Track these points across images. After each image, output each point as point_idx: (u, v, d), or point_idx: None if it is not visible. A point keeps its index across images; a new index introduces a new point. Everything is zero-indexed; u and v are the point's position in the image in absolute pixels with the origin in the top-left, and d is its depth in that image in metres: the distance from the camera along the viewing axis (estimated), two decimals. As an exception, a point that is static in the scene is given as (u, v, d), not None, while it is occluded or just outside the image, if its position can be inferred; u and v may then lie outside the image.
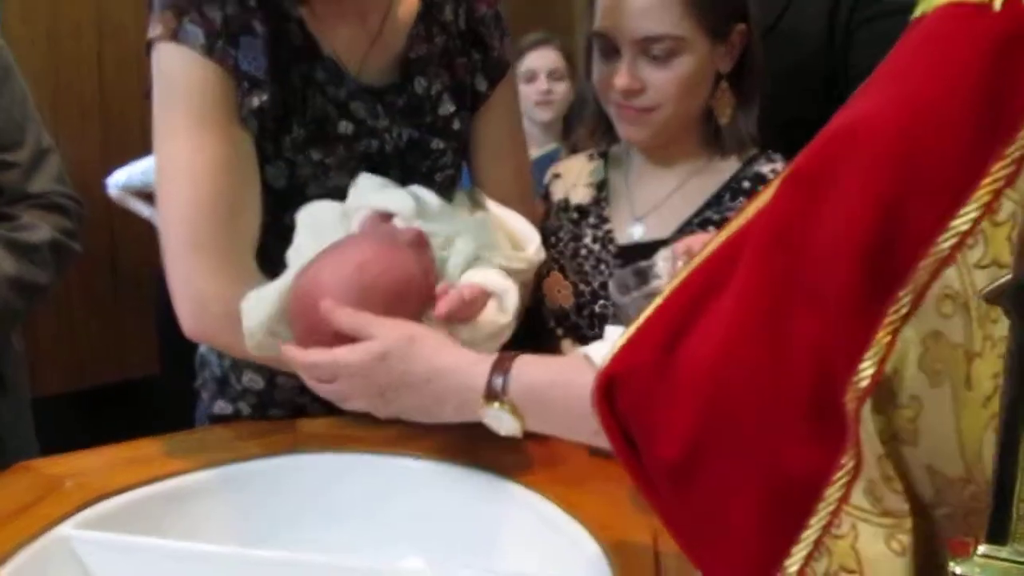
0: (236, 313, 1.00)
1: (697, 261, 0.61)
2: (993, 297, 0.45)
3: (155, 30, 1.08)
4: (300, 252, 1.04)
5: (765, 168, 1.24)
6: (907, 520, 0.51)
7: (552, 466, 1.02)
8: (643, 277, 0.99)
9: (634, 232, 1.26)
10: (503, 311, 1.01)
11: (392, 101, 1.17)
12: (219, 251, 1.06)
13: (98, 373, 2.84)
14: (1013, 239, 0.47)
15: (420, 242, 0.99)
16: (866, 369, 0.50)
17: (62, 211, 1.48)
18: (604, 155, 1.35)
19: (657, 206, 1.26)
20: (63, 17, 2.83)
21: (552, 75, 2.68)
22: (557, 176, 1.37)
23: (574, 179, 1.34)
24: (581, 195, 1.32)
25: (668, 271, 0.98)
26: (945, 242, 0.48)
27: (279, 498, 1.04)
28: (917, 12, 0.54)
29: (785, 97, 1.26)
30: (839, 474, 0.52)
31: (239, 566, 0.91)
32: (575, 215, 1.31)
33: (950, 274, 0.48)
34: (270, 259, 1.08)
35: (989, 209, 0.47)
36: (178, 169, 1.07)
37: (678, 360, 0.58)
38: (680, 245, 0.98)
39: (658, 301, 0.62)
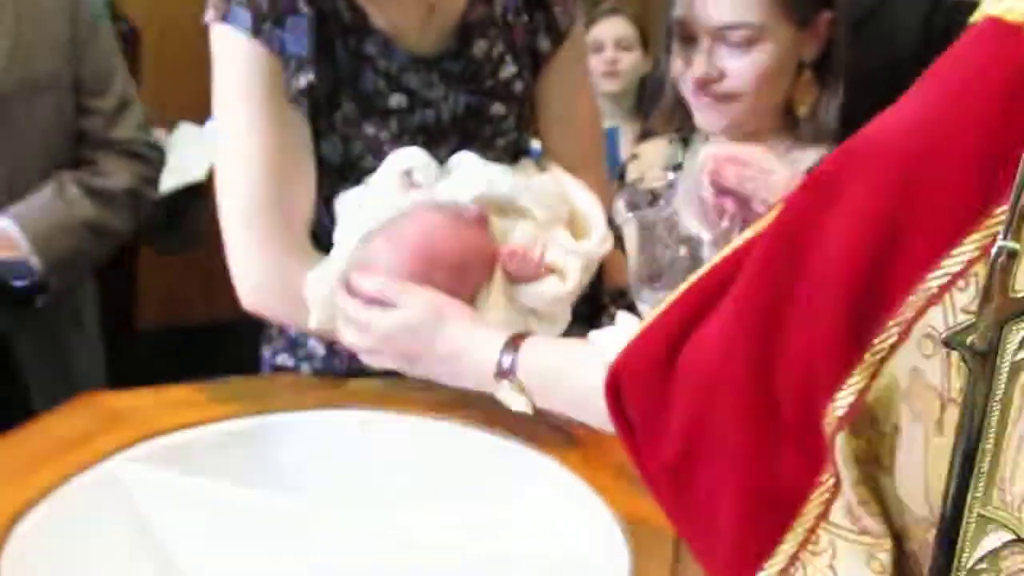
0: (291, 288, 1.05)
1: (709, 264, 0.61)
2: (953, 342, 0.43)
3: (208, 13, 1.11)
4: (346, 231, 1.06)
5: None
6: (886, 541, 0.50)
7: (585, 444, 1.02)
8: (655, 198, 0.98)
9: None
10: (564, 279, 1.02)
11: (448, 68, 1.17)
12: (273, 228, 1.09)
13: (190, 312, 2.91)
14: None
15: (483, 220, 1.01)
16: (846, 397, 0.49)
17: (141, 159, 1.53)
18: (685, 140, 1.33)
19: None
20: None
21: (619, 44, 2.58)
22: (635, 157, 1.36)
23: (650, 161, 1.33)
24: (655, 178, 1.31)
25: (684, 192, 0.95)
26: (934, 280, 0.46)
27: (317, 451, 1.07)
28: (973, 17, 0.51)
29: (873, 95, 1.22)
30: (818, 491, 0.51)
31: (276, 513, 0.94)
32: (649, 198, 1.30)
33: (935, 314, 0.46)
34: (327, 233, 1.10)
35: (986, 252, 0.44)
36: (232, 149, 1.11)
37: (679, 362, 0.59)
38: (709, 161, 0.97)
39: (668, 301, 0.63)
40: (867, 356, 0.48)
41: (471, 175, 1.07)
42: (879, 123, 0.51)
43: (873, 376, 0.48)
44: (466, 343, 0.89)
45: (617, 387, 0.63)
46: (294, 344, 1.27)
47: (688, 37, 1.19)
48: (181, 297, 2.93)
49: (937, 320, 0.46)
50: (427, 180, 1.06)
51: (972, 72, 0.48)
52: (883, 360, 0.47)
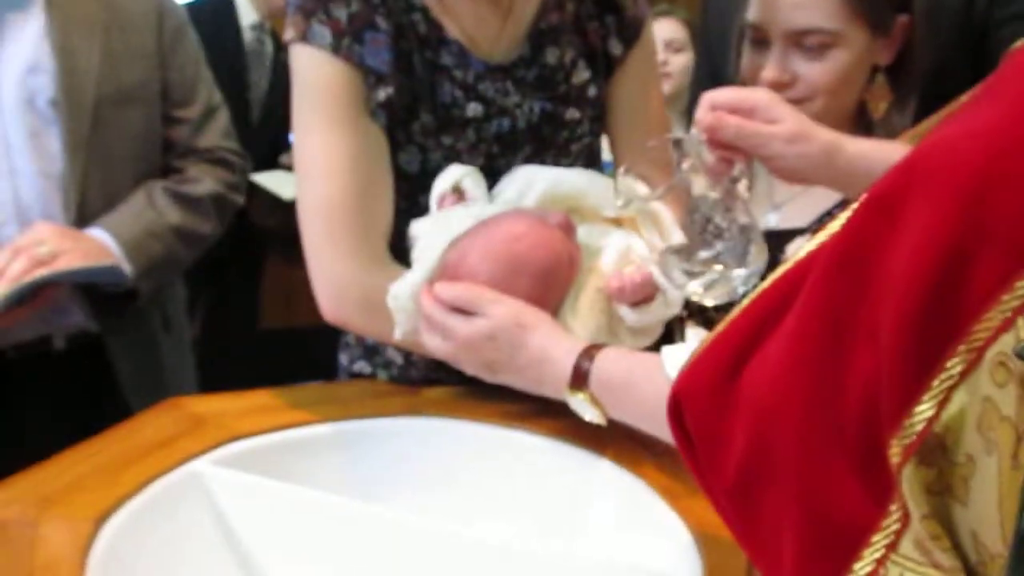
0: (372, 299, 1.06)
1: (770, 279, 0.59)
2: (1021, 352, 0.40)
3: (288, 33, 1.13)
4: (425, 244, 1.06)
5: None
6: (960, 575, 0.47)
7: (661, 456, 1.00)
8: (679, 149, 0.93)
9: (770, 219, 1.22)
10: (668, 304, 1.00)
11: (522, 76, 1.17)
12: (354, 240, 1.11)
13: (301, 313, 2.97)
14: None
15: (569, 226, 1.00)
16: (913, 426, 0.46)
17: (226, 165, 1.57)
18: None
19: (797, 195, 1.21)
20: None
21: (670, 46, 2.55)
22: None
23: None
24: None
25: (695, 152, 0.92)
26: (1008, 303, 0.43)
27: (397, 458, 1.08)
28: None
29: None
30: (887, 520, 0.49)
31: (353, 518, 0.95)
32: None
33: (1007, 340, 0.43)
34: (406, 243, 1.11)
35: None
36: (313, 164, 1.12)
37: (739, 384, 0.57)
38: (705, 111, 0.93)
39: (728, 319, 0.61)
40: (935, 383, 0.45)
41: (532, 178, 1.06)
42: (942, 137, 0.49)
43: (942, 404, 0.46)
44: (545, 352, 0.89)
45: (678, 406, 0.61)
46: (371, 351, 1.28)
47: (761, 40, 1.17)
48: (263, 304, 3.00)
49: (1009, 346, 0.43)
50: (477, 190, 1.06)
51: None
52: (952, 387, 0.45)
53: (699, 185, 0.91)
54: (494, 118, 1.16)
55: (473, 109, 1.15)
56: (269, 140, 2.55)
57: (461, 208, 1.05)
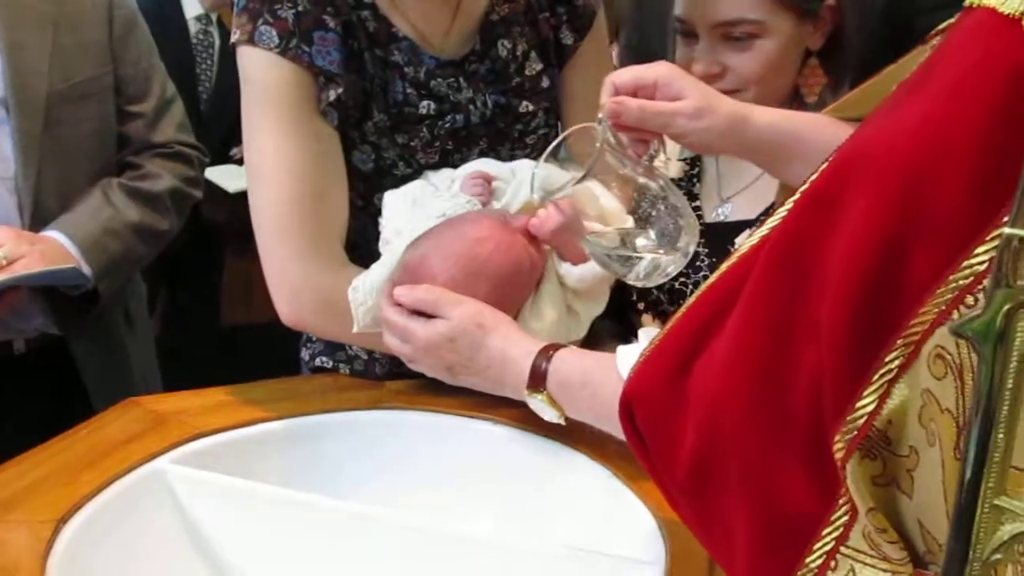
0: (329, 301, 1.06)
1: (713, 277, 0.59)
2: (962, 331, 0.40)
3: (234, 35, 1.12)
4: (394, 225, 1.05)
5: None
6: (907, 567, 0.48)
7: (623, 442, 1.01)
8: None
9: (720, 212, 1.23)
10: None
11: (474, 70, 1.17)
12: (308, 241, 1.10)
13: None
14: None
15: (532, 230, 0.99)
16: (856, 420, 0.46)
17: (184, 159, 1.55)
18: None
19: (744, 187, 1.22)
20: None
21: None
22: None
23: (670, 153, 1.31)
24: (674, 170, 1.29)
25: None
26: (942, 297, 0.43)
27: (360, 451, 1.08)
28: (968, 1, 0.48)
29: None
30: (836, 514, 0.50)
31: (317, 513, 0.95)
32: None
33: (944, 333, 0.43)
34: (364, 241, 1.11)
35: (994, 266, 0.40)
36: (264, 166, 1.11)
37: (688, 383, 0.57)
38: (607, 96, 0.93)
39: (674, 319, 0.61)
40: (875, 377, 0.46)
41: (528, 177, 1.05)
42: (876, 132, 0.49)
43: (883, 398, 0.46)
44: (505, 353, 0.89)
45: (630, 407, 0.62)
46: (333, 347, 1.27)
47: (689, 33, 1.18)
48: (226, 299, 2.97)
49: (947, 340, 0.43)
50: (504, 188, 1.05)
51: (968, 71, 0.45)
52: (893, 381, 0.46)
53: (617, 169, 0.91)
54: (447, 114, 1.15)
55: (426, 106, 1.15)
56: (219, 133, 2.52)
57: (436, 200, 1.04)
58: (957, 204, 0.44)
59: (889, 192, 0.46)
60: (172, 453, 1.02)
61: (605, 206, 0.92)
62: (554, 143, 0.94)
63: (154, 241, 1.52)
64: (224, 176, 2.50)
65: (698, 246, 1.21)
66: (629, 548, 0.89)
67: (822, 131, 0.93)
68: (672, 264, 0.91)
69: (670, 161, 1.29)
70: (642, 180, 0.91)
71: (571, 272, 1.00)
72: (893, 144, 0.47)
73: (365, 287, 1.01)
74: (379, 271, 1.02)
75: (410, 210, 1.07)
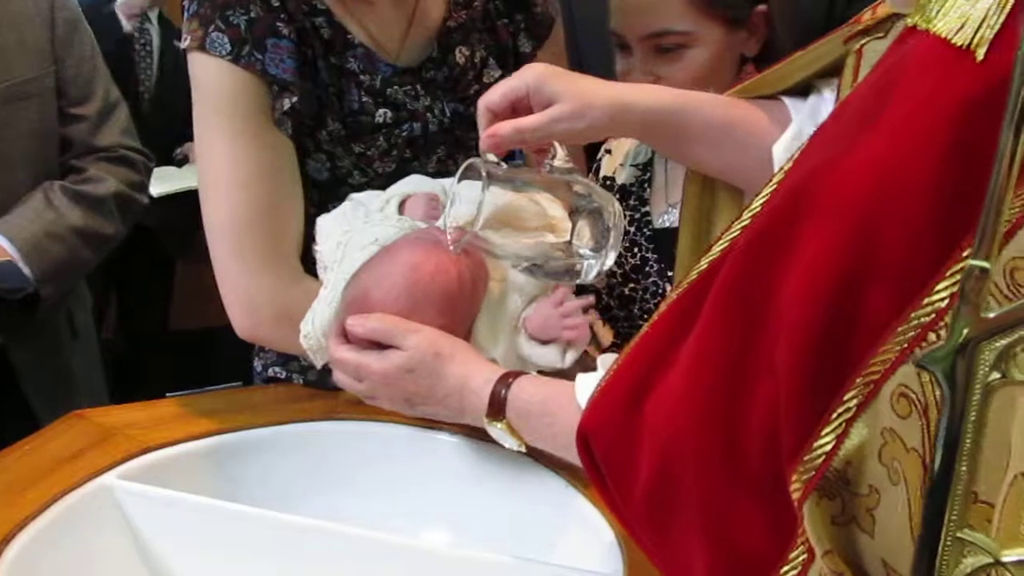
0: (286, 314, 1.04)
1: (664, 305, 0.59)
2: (925, 363, 0.40)
3: (185, 41, 1.09)
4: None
5: None
6: None
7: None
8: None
9: (667, 218, 1.23)
10: (566, 356, 0.99)
11: (431, 77, 1.15)
12: (262, 254, 1.08)
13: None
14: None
15: (470, 248, 0.97)
16: (814, 459, 0.46)
17: (129, 164, 1.52)
18: None
19: None
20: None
21: None
22: (608, 152, 1.35)
23: (622, 158, 1.31)
24: (626, 175, 1.29)
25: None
26: (904, 335, 0.42)
27: (314, 463, 1.06)
28: (910, 20, 0.48)
29: None
30: (794, 552, 0.49)
31: (270, 528, 0.93)
32: (617, 195, 1.28)
33: (907, 371, 0.42)
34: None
35: (956, 300, 0.40)
36: (217, 177, 1.09)
37: (642, 415, 0.56)
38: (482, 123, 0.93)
39: (627, 350, 0.60)
40: (834, 416, 0.45)
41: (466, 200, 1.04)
42: (828, 165, 0.48)
43: (841, 437, 0.45)
44: (465, 381, 0.88)
45: (586, 439, 0.61)
46: (287, 356, 1.25)
47: (624, 46, 1.19)
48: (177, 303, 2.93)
49: (911, 379, 0.43)
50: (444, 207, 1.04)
51: (920, 106, 0.45)
52: (851, 420, 0.45)
53: (515, 192, 0.90)
54: (405, 122, 1.14)
55: (382, 114, 1.13)
56: (161, 134, 2.47)
57: (367, 226, 1.03)
58: (913, 243, 0.43)
59: (844, 231, 0.46)
60: (119, 468, 0.99)
61: (535, 222, 0.91)
62: (456, 176, 0.92)
63: (99, 246, 1.49)
64: (157, 179, 2.45)
65: (647, 252, 1.22)
66: (586, 560, 0.89)
67: (711, 109, 0.93)
68: (613, 250, 0.90)
69: (621, 168, 1.29)
70: (542, 192, 0.90)
71: (534, 355, 0.99)
72: (847, 181, 0.47)
73: (316, 331, 1.00)
74: (323, 311, 1.00)
75: (343, 235, 1.05)
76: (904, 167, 0.44)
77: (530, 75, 0.92)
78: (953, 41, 0.44)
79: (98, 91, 1.48)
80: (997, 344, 0.38)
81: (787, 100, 0.95)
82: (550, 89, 0.90)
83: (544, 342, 0.98)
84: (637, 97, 0.93)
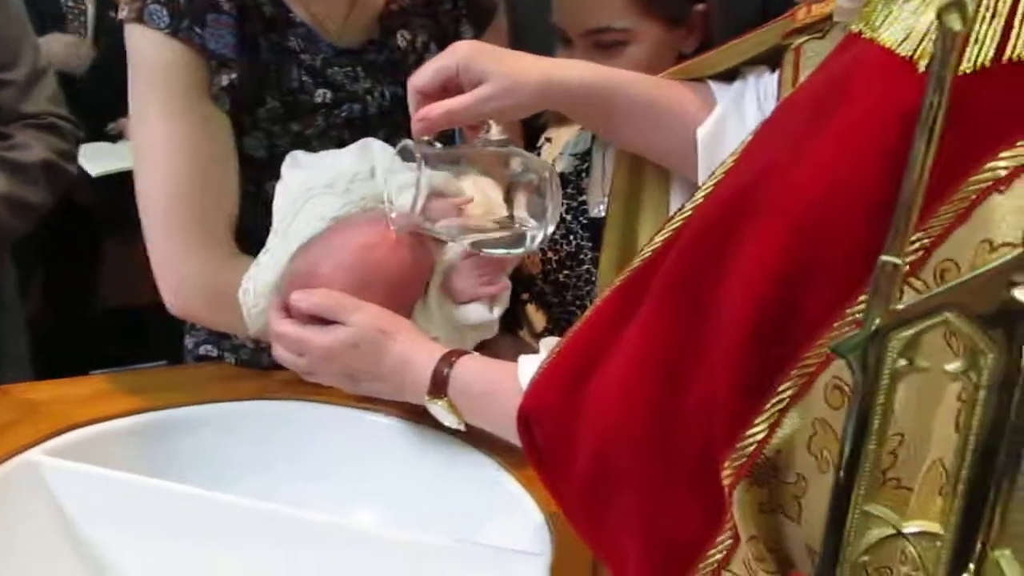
0: (219, 292, 1.03)
1: (605, 293, 0.60)
2: (839, 350, 0.41)
3: (123, 11, 1.06)
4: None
5: None
6: None
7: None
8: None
9: (603, 207, 1.25)
10: (493, 308, 1.01)
11: (372, 59, 1.15)
12: (196, 231, 1.07)
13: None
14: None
15: (418, 234, 0.98)
16: (746, 447, 0.48)
17: (57, 132, 1.49)
18: None
19: None
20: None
21: None
22: (548, 141, 1.36)
23: (561, 147, 1.32)
24: (564, 164, 1.31)
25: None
26: (839, 329, 0.45)
27: (246, 443, 1.06)
28: (855, 27, 0.50)
29: None
30: (722, 536, 0.51)
31: (199, 507, 0.93)
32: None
33: (840, 364, 0.44)
34: (255, 230, 1.08)
35: None
36: (150, 151, 1.07)
37: (582, 400, 0.58)
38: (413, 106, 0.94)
39: (569, 334, 0.62)
40: (768, 406, 0.47)
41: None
42: (774, 164, 0.50)
43: (774, 427, 0.47)
44: (407, 359, 0.88)
45: (527, 421, 0.62)
46: (219, 335, 1.24)
47: (567, 40, 1.20)
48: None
49: (845, 371, 0.45)
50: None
51: (865, 115, 0.46)
52: (784, 410, 0.47)
53: (457, 173, 0.91)
54: (344, 103, 1.13)
55: (321, 95, 1.12)
56: (95, 107, 2.40)
57: (322, 195, 1.02)
58: (854, 249, 0.45)
59: (789, 234, 0.47)
60: (46, 444, 0.98)
61: (478, 198, 0.93)
62: (393, 156, 0.93)
63: (25, 214, 1.45)
64: (92, 156, 2.37)
65: (583, 240, 1.23)
66: (516, 540, 0.90)
67: (639, 88, 0.96)
68: (554, 216, 0.93)
69: (560, 156, 1.30)
70: (478, 167, 0.92)
71: (461, 315, 1.00)
72: (792, 185, 0.48)
73: (256, 289, 0.99)
74: (267, 273, 1.00)
75: (300, 189, 1.04)
76: (850, 175, 0.46)
77: (459, 53, 0.92)
78: (898, 52, 0.46)
79: (26, 56, 1.44)
80: (904, 334, 0.40)
81: (712, 84, 0.97)
82: (479, 67, 0.91)
83: (468, 302, 1.00)
84: (565, 73, 0.94)
